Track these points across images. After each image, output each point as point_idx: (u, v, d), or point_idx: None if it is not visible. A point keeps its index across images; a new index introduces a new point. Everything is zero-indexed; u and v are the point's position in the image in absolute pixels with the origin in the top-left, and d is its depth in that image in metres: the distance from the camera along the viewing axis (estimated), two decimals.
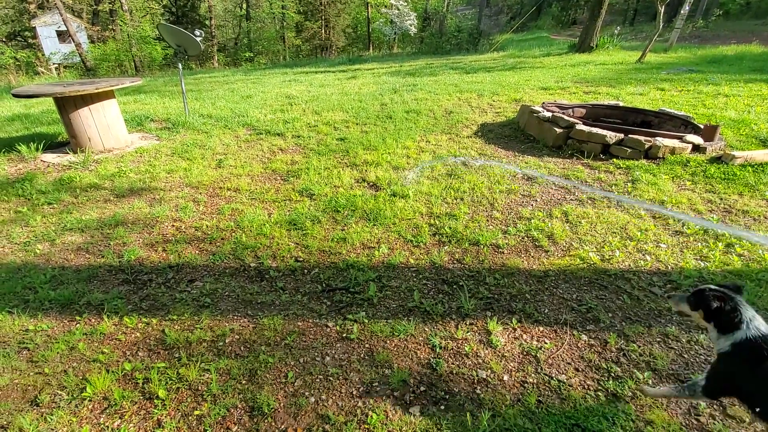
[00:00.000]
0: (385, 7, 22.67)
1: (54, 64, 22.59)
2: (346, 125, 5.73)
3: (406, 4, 21.60)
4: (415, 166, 4.27)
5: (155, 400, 1.76)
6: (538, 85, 7.69)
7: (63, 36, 23.34)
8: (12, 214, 3.47)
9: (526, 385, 1.83)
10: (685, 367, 1.89)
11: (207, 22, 27.41)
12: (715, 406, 1.70)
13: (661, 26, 10.49)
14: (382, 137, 5.10)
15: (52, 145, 5.11)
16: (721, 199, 3.38)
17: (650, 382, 1.82)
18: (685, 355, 1.96)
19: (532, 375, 1.87)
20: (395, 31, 22.19)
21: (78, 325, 2.23)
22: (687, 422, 1.64)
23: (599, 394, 1.77)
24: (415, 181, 3.89)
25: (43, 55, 22.89)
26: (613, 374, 1.87)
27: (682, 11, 12.94)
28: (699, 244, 2.81)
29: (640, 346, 2.01)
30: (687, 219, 3.09)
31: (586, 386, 1.82)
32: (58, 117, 5.29)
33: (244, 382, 1.85)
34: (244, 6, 29.97)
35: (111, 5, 23.49)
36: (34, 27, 23.49)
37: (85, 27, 24.31)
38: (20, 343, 2.12)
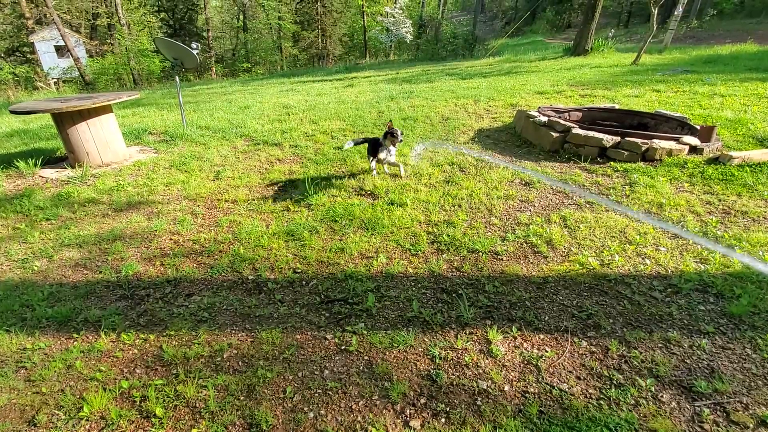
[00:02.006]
0: (381, 15, 22.85)
1: (53, 78, 22.75)
2: (343, 134, 5.75)
3: (401, 11, 21.79)
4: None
5: (153, 419, 1.75)
6: (534, 90, 7.72)
7: (61, 51, 23.52)
8: (10, 230, 3.47)
9: (527, 395, 1.81)
10: (687, 373, 1.87)
11: (204, 34, 27.65)
12: (718, 412, 1.68)
13: (655, 28, 10.56)
14: None
15: (51, 160, 5.13)
16: (720, 200, 3.37)
17: (653, 389, 1.80)
18: (688, 361, 1.94)
19: (534, 385, 1.86)
20: (391, 39, 22.36)
21: (75, 342, 2.22)
22: (691, 429, 1.62)
23: (602, 402, 1.75)
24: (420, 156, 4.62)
25: (41, 70, 23.06)
26: (615, 382, 1.85)
27: (675, 12, 13.03)
28: (699, 246, 2.80)
29: (641, 353, 1.99)
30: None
31: (588, 395, 1.80)
32: (56, 132, 5.31)
33: (242, 398, 1.84)
34: (241, 18, 30.25)
35: (109, 20, 23.73)
36: (33, 42, 23.69)
37: (84, 42, 24.53)
38: (18, 362, 2.10)
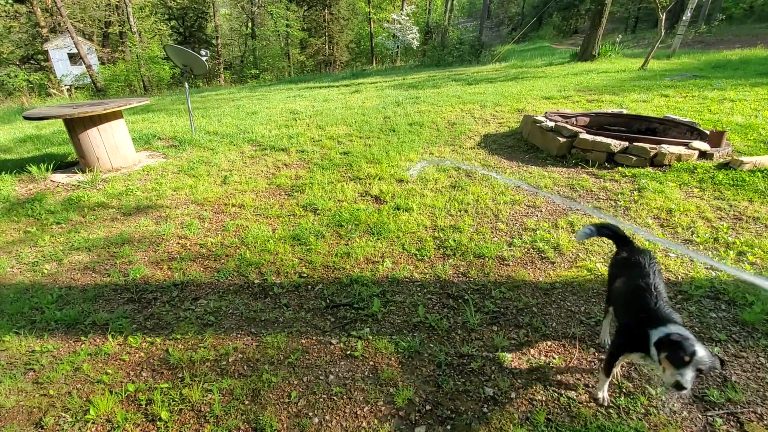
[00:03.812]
0: (388, 21, 23.01)
1: (65, 85, 23.18)
2: (349, 139, 5.77)
3: (408, 18, 21.92)
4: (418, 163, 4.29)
5: (158, 422, 1.75)
6: (540, 95, 7.70)
7: (74, 58, 23.98)
8: (21, 234, 3.52)
9: (534, 402, 1.78)
10: (699, 382, 1.83)
11: (214, 42, 28.03)
12: (731, 422, 1.64)
13: (663, 33, 10.51)
14: (385, 150, 5.12)
15: (62, 165, 5.21)
16: (731, 205, 3.32)
17: (663, 398, 1.76)
18: None
19: (541, 392, 1.83)
20: (398, 45, 22.49)
21: (83, 345, 2.24)
22: None
23: (611, 411, 1.72)
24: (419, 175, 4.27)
25: (55, 77, 23.51)
26: (624, 390, 1.81)
27: (683, 17, 12.97)
28: (710, 252, 2.76)
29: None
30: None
31: (597, 403, 1.76)
32: (68, 137, 5.39)
33: (247, 402, 1.83)
34: (250, 25, 30.63)
35: (121, 28, 24.17)
36: (47, 50, 24.19)
37: (96, 49, 24.98)
38: (26, 365, 2.12)
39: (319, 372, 1.99)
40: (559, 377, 1.90)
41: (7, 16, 21.79)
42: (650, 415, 1.69)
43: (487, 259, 2.84)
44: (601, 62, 12.37)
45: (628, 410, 1.72)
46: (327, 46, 29.72)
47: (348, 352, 2.10)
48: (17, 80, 20.82)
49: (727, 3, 24.89)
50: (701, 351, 1.30)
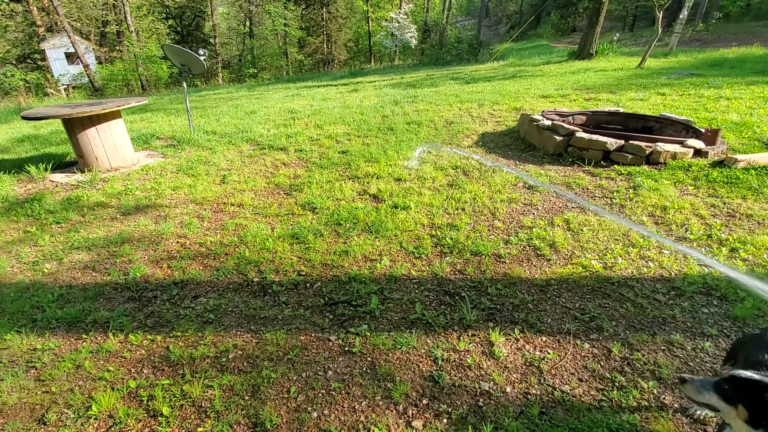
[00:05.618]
0: (386, 20, 23.01)
1: (63, 85, 23.13)
2: (347, 138, 5.80)
3: (406, 17, 21.91)
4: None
5: (159, 418, 1.78)
6: (538, 94, 7.73)
7: (71, 58, 23.94)
8: (21, 234, 3.54)
9: (529, 396, 1.82)
10: (689, 373, 1.87)
11: (211, 41, 27.98)
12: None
13: (660, 31, 10.55)
14: (383, 149, 5.15)
15: (61, 164, 5.22)
16: (724, 203, 3.36)
17: (655, 391, 1.80)
18: (691, 363, 1.94)
19: (535, 386, 1.86)
20: (396, 44, 22.47)
21: (84, 343, 2.26)
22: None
23: (603, 404, 1.76)
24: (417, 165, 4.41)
25: (52, 76, 23.46)
26: (617, 384, 1.85)
27: (681, 15, 13.01)
28: (703, 249, 2.80)
29: (644, 355, 1.99)
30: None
31: (590, 397, 1.80)
32: (66, 137, 5.41)
33: (246, 398, 1.86)
34: (248, 24, 30.59)
35: (118, 27, 24.12)
36: (44, 49, 24.13)
37: (93, 48, 24.94)
38: (28, 362, 2.15)
39: (318, 368, 2.02)
40: (553, 372, 1.93)
41: (3, 15, 21.72)
42: (642, 408, 1.73)
43: (483, 256, 2.87)
44: (599, 60, 12.41)
45: (621, 403, 1.75)
46: (325, 45, 29.71)
47: (346, 349, 2.13)
48: (14, 80, 20.77)
49: (725, 1, 24.95)
50: None
